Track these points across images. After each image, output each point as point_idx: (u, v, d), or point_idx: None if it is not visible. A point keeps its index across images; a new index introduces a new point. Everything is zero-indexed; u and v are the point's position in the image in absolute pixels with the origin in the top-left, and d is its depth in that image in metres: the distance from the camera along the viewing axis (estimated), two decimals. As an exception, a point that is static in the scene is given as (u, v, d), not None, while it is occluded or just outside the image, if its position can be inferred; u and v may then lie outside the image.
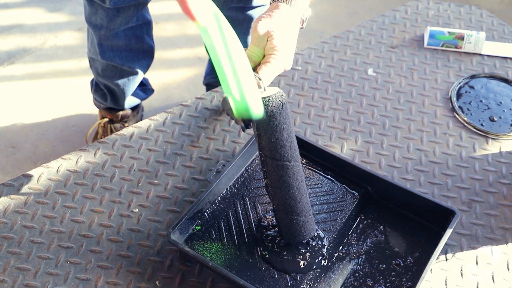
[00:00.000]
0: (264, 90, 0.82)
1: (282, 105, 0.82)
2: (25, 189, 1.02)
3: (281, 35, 0.84)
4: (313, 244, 0.93)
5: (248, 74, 0.79)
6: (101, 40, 1.43)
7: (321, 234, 0.94)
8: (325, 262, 0.92)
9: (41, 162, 1.74)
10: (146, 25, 1.48)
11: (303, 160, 1.04)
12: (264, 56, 0.85)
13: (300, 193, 0.88)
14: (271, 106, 0.81)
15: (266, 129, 0.83)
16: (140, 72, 1.53)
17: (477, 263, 0.95)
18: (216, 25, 0.76)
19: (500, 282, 0.93)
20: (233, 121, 1.14)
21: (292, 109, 1.17)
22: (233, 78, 0.77)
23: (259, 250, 0.92)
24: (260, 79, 0.82)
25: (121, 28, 1.40)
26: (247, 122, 0.95)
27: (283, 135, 0.84)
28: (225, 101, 1.08)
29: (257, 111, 0.79)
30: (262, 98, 0.81)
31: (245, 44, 0.84)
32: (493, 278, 0.94)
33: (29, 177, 1.04)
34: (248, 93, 0.78)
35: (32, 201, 1.01)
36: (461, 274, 0.94)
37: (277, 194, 0.88)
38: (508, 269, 0.95)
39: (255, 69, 0.84)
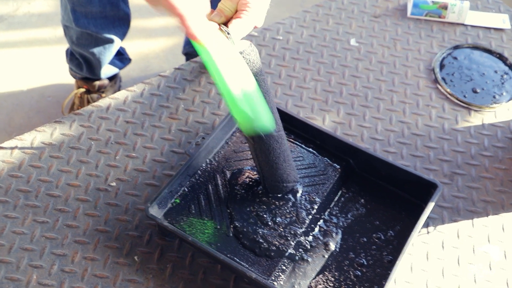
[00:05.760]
0: (233, 44, 0.80)
1: (254, 59, 0.81)
2: (-3, 162, 0.99)
3: None
4: (294, 218, 0.92)
5: (255, 92, 0.77)
6: (75, 6, 1.38)
7: (302, 209, 0.93)
8: (306, 236, 0.91)
9: (16, 133, 1.69)
10: (122, -9, 1.44)
11: (284, 132, 1.03)
12: (236, 12, 0.83)
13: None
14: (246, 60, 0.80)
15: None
16: (116, 40, 1.49)
17: (458, 236, 0.95)
18: (217, 45, 0.76)
19: (480, 255, 0.93)
20: (213, 92, 1.12)
21: (273, 80, 1.15)
22: (242, 97, 0.76)
23: (231, 226, 0.91)
24: (228, 34, 0.80)
25: (95, -7, 1.36)
26: None
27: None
28: None
29: (269, 123, 0.79)
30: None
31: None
32: (473, 250, 0.94)
33: (1, 149, 1.01)
34: (258, 107, 0.77)
35: (5, 174, 0.98)
36: (442, 247, 0.94)
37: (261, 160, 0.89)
38: (489, 241, 0.95)
39: (226, 24, 0.82)
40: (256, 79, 0.81)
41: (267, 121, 0.78)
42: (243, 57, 0.79)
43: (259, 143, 0.87)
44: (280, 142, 0.88)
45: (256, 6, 0.82)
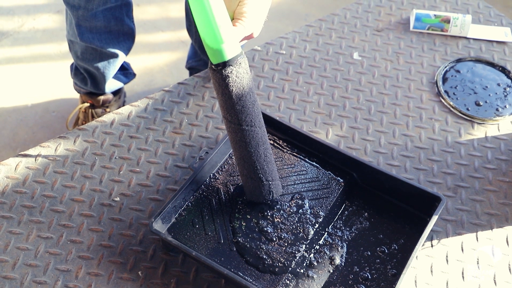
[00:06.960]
0: None
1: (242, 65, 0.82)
2: (2, 178, 1.00)
3: (253, 2, 0.83)
4: (298, 232, 0.92)
5: (224, 14, 0.79)
6: (79, 21, 1.39)
7: (306, 223, 0.93)
8: (309, 251, 0.91)
9: (21, 148, 1.70)
10: (126, 6, 1.45)
11: (288, 146, 1.03)
12: (232, 20, 0.84)
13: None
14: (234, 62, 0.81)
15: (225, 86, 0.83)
16: (120, 55, 1.50)
17: (462, 250, 0.95)
18: None
19: (485, 268, 0.93)
20: (217, 107, 1.12)
21: (276, 94, 1.15)
22: (210, 16, 0.77)
23: (235, 241, 0.91)
24: None
25: (100, 8, 1.37)
26: None
27: (241, 95, 0.83)
28: None
29: (232, 48, 0.80)
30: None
31: None
32: (478, 263, 0.93)
33: (6, 165, 1.01)
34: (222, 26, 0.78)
35: (10, 190, 0.98)
36: (447, 261, 0.94)
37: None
38: (493, 254, 0.95)
39: None
40: (244, 90, 0.82)
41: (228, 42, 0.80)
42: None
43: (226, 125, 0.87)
44: (252, 137, 0.88)
45: (252, 16, 0.83)
